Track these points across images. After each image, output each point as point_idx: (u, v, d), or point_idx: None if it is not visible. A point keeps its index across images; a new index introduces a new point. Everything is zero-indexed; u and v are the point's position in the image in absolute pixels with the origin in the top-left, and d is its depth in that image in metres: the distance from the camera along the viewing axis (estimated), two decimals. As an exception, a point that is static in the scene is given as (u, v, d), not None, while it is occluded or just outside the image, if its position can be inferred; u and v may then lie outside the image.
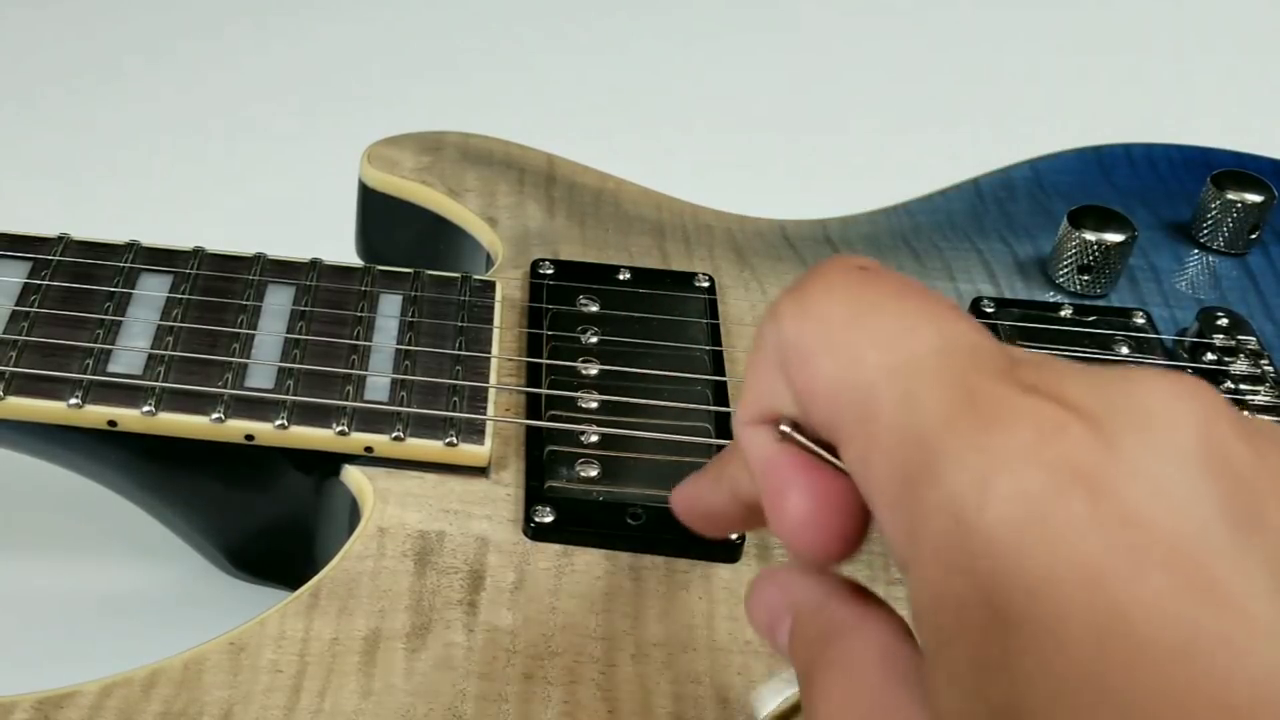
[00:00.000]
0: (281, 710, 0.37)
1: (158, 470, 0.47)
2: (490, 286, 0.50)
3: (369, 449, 0.44)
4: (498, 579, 0.41)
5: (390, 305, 0.48)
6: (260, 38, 0.89)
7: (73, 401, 0.43)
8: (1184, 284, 0.57)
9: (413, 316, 0.48)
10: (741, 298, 0.53)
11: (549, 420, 0.46)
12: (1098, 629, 0.20)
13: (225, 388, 0.44)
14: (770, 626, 0.29)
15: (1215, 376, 0.51)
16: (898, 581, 0.42)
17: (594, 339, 0.49)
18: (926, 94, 0.90)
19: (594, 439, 0.45)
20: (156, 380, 0.44)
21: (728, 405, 0.47)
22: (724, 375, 0.48)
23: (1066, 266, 0.55)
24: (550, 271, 0.52)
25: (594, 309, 0.50)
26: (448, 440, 0.43)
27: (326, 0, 0.93)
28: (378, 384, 0.45)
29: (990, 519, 0.21)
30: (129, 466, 0.46)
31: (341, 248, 0.57)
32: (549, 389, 0.47)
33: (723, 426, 0.46)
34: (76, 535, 0.56)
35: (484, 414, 0.45)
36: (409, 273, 0.50)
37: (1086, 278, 0.55)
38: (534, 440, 0.45)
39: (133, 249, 0.48)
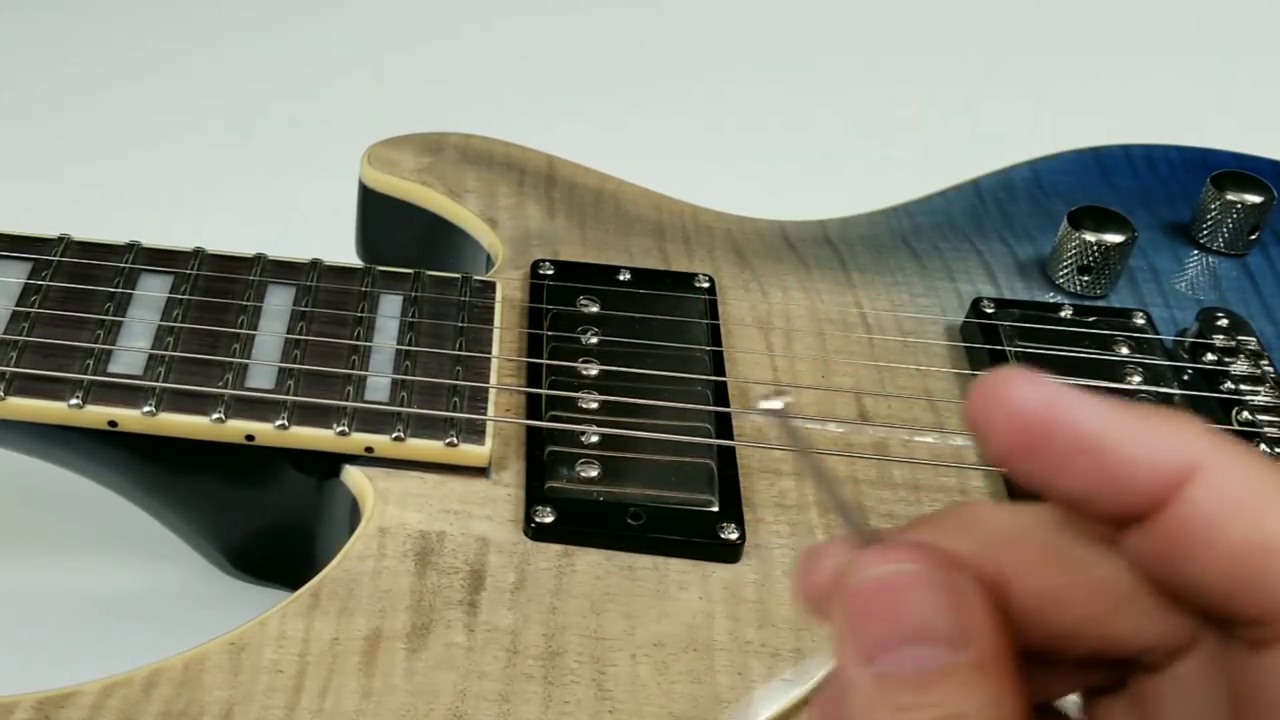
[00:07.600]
0: (282, 710, 0.37)
1: (158, 470, 0.47)
2: (490, 287, 0.50)
3: (369, 449, 0.44)
4: (498, 579, 0.41)
5: (390, 306, 0.48)
6: (261, 38, 0.89)
7: (73, 402, 0.43)
8: (1184, 284, 0.57)
9: (413, 317, 0.48)
10: (741, 298, 0.53)
11: (549, 420, 0.46)
12: None
13: (225, 388, 0.44)
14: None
15: (1215, 377, 0.51)
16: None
17: (594, 339, 0.49)
18: (927, 94, 0.90)
19: (594, 439, 0.45)
20: (157, 380, 0.44)
21: (728, 405, 0.47)
22: (724, 375, 0.48)
23: (1066, 267, 0.55)
24: (550, 272, 0.52)
25: (594, 309, 0.50)
26: (448, 440, 0.43)
27: (327, 1, 0.93)
28: (378, 384, 0.45)
29: None
30: (129, 466, 0.46)
31: (341, 248, 0.57)
32: (549, 389, 0.47)
33: (723, 427, 0.46)
34: (76, 535, 0.56)
35: (484, 414, 0.45)
36: (409, 273, 0.50)
37: (1086, 278, 0.55)
38: (534, 440, 0.45)
39: (133, 249, 0.48)
